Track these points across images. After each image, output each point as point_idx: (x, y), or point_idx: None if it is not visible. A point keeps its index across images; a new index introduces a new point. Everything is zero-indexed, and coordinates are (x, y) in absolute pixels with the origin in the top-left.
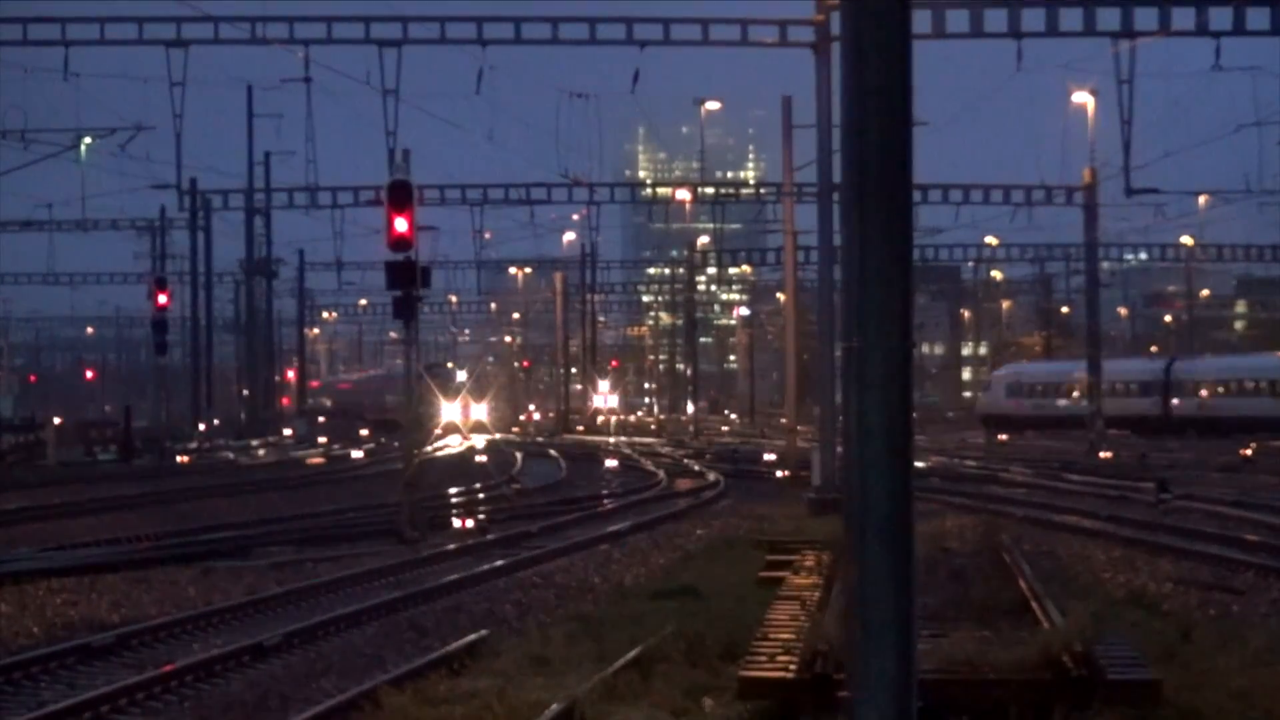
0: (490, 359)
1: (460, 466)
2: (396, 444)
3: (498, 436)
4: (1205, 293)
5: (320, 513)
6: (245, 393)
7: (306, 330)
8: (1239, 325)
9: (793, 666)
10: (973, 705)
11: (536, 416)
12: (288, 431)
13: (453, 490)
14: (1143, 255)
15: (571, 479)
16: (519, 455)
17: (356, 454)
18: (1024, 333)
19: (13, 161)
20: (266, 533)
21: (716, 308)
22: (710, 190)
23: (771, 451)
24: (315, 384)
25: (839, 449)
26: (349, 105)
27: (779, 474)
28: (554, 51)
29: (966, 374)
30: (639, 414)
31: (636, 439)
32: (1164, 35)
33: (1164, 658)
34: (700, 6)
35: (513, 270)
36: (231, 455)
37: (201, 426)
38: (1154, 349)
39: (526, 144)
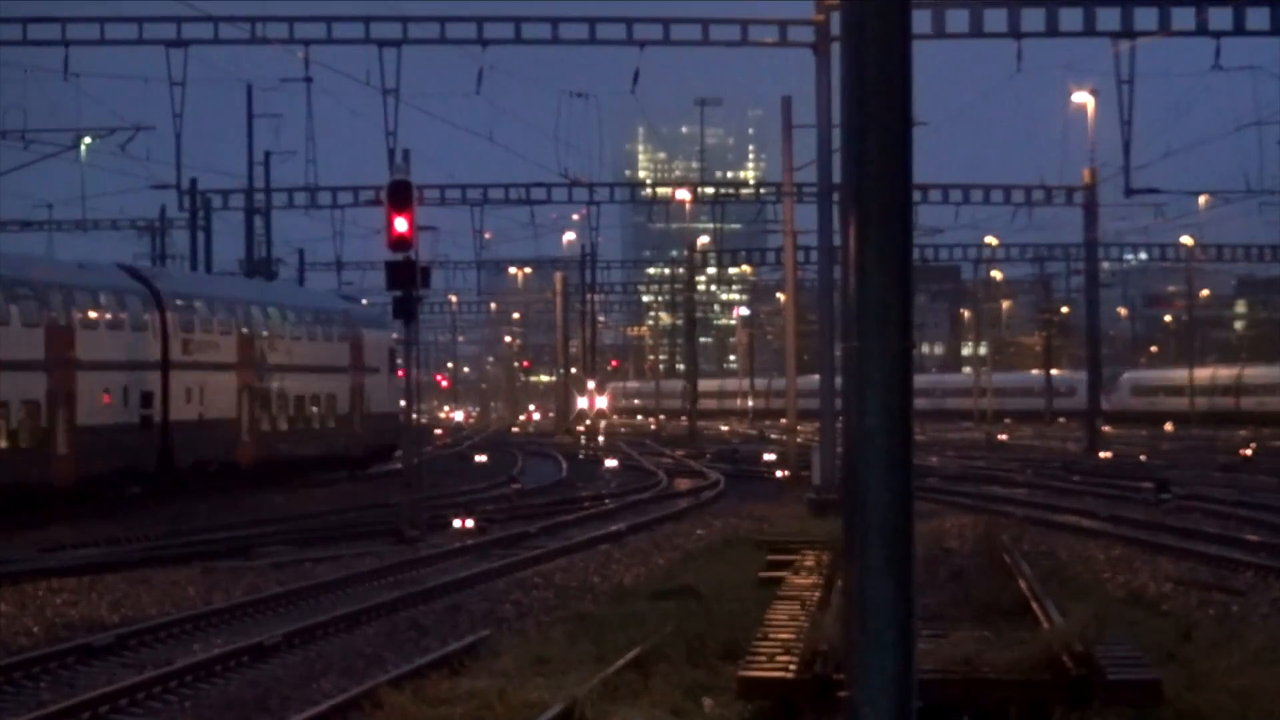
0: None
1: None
2: None
3: None
4: (1205, 293)
5: (320, 512)
6: None
7: None
8: (1239, 326)
9: (793, 666)
10: (973, 705)
11: (536, 416)
12: None
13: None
14: (1143, 255)
15: (571, 479)
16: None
17: None
18: (1024, 333)
19: (13, 161)
20: (266, 533)
21: (716, 308)
22: (710, 190)
23: (771, 451)
24: None
25: (839, 449)
26: (349, 105)
27: (779, 474)
28: (554, 51)
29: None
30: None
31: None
32: (1164, 35)
33: (1164, 658)
34: (700, 6)
35: (513, 270)
36: None
37: None
38: (1154, 349)
39: (526, 144)
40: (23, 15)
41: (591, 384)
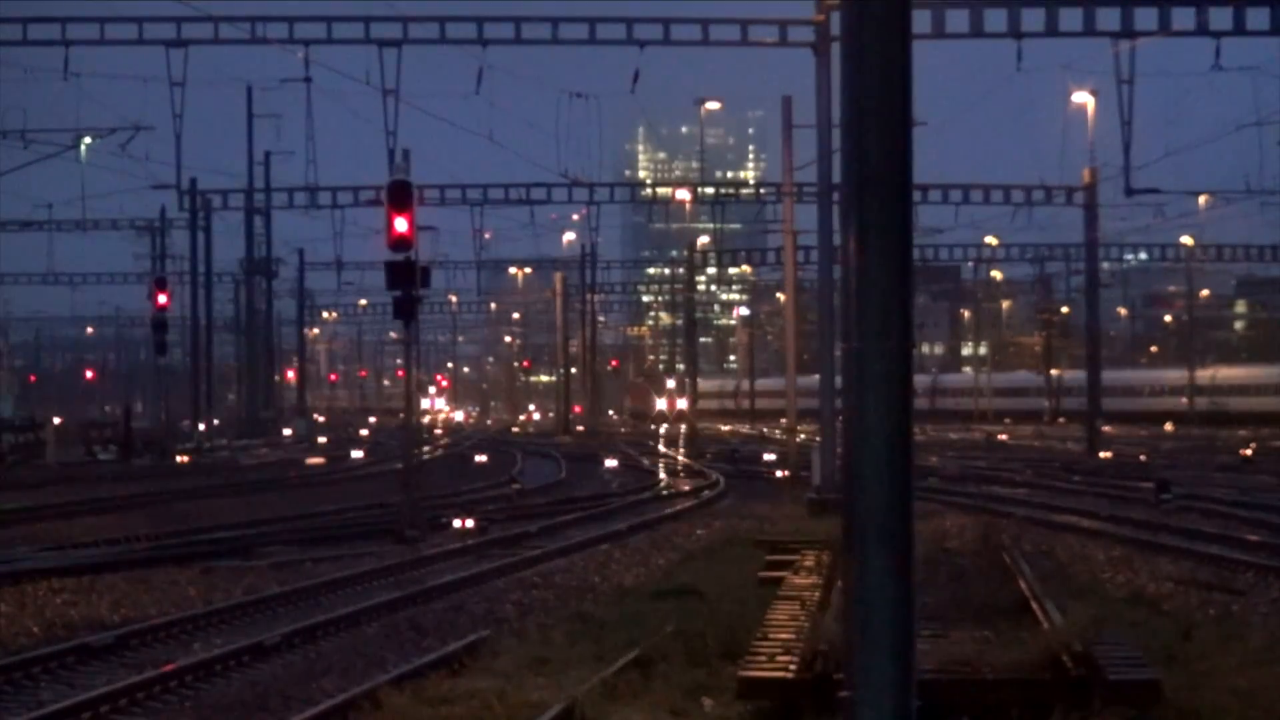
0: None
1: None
2: None
3: None
4: (1205, 293)
5: (320, 512)
6: (245, 393)
7: (306, 330)
8: (1239, 326)
9: (793, 666)
10: (973, 705)
11: (536, 416)
12: (287, 432)
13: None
14: (1143, 255)
15: (571, 479)
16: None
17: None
18: (1024, 333)
19: (13, 161)
20: (266, 533)
21: (716, 308)
22: (710, 190)
23: (771, 451)
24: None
25: (839, 449)
26: (349, 105)
27: (779, 474)
28: (554, 51)
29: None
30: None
31: None
32: (1164, 35)
33: (1164, 658)
34: (700, 6)
35: (513, 270)
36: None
37: (201, 426)
38: (1154, 349)
39: (526, 144)
40: (23, 15)
41: (671, 383)
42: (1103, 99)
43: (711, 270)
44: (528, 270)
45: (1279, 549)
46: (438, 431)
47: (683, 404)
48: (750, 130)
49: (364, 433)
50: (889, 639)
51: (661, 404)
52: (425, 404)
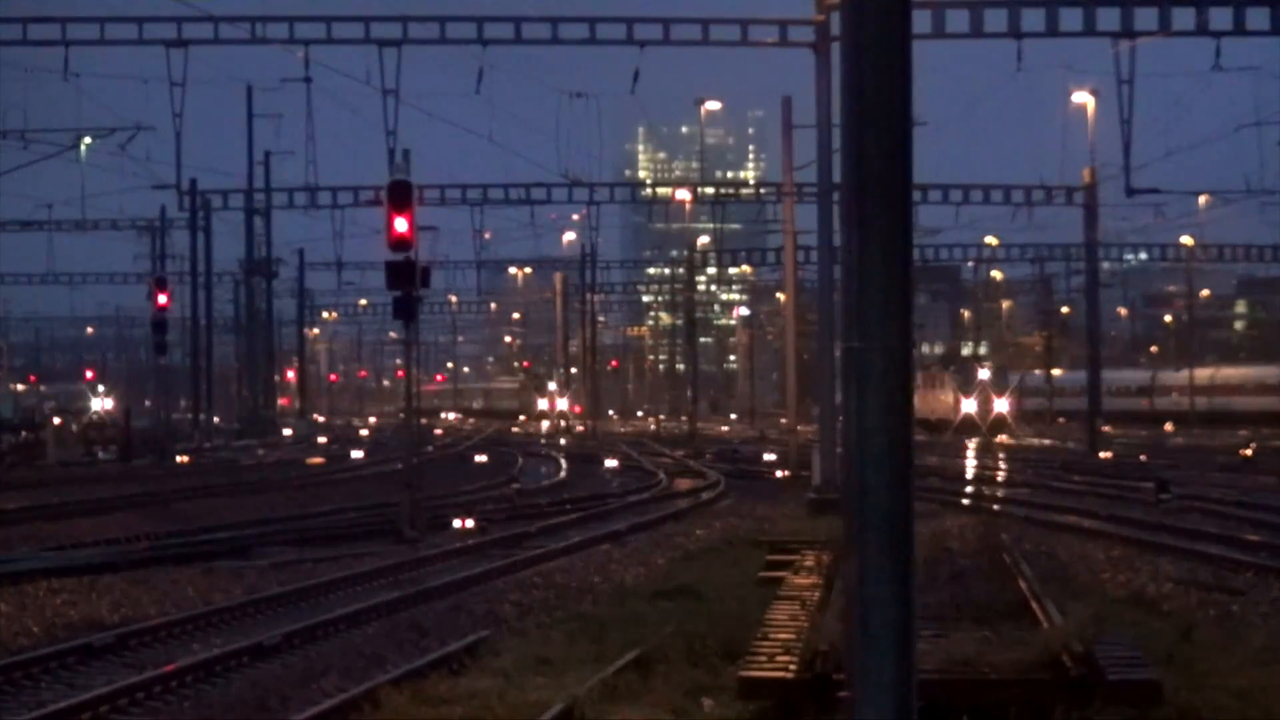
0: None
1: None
2: None
3: None
4: (1205, 293)
5: (320, 512)
6: (245, 393)
7: (306, 330)
8: (1239, 326)
9: (793, 666)
10: (973, 705)
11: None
12: (287, 432)
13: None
14: (1143, 255)
15: (571, 479)
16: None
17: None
18: (1024, 333)
19: (13, 161)
20: (266, 533)
21: (716, 308)
22: (710, 190)
23: (771, 451)
24: None
25: (839, 449)
26: (349, 105)
27: (779, 474)
28: (554, 51)
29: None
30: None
31: None
32: (1164, 35)
33: (1164, 658)
34: (700, 6)
35: (513, 270)
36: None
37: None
38: (1154, 349)
39: (526, 144)
40: (23, 15)
41: (985, 372)
42: (1103, 99)
43: (711, 270)
44: (528, 270)
45: (1279, 549)
46: (437, 431)
47: (1003, 406)
48: (750, 130)
49: (364, 433)
50: (889, 639)
51: (969, 405)
52: (543, 405)
